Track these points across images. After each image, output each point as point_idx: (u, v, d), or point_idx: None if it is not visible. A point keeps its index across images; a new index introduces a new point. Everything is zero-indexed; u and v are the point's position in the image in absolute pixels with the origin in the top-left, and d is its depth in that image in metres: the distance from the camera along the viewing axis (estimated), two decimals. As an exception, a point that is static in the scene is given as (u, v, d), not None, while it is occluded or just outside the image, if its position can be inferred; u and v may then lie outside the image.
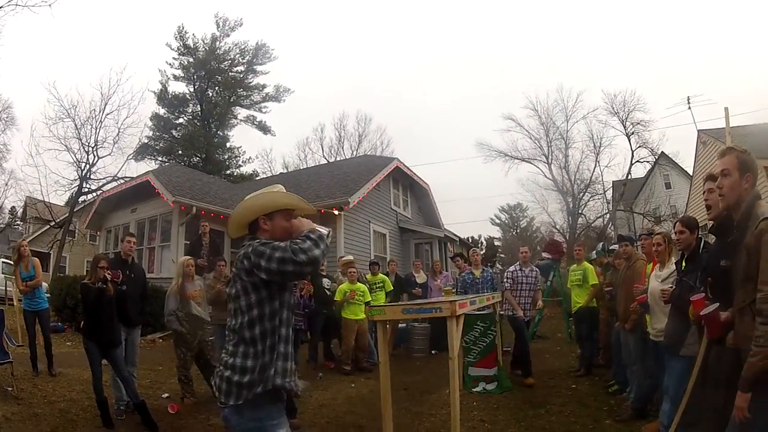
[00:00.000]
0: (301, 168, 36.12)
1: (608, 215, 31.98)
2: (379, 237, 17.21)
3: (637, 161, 31.20)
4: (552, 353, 10.05)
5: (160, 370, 8.25)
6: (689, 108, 24.57)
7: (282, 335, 2.40)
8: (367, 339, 9.17)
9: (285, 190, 2.62)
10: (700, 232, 4.17)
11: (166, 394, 6.82)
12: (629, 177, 31.48)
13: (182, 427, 5.51)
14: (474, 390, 7.01)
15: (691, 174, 23.22)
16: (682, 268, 4.10)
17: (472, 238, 41.89)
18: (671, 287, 4.25)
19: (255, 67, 37.18)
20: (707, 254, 3.65)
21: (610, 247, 9.07)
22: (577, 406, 6.00)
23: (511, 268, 8.22)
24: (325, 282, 9.33)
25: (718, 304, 2.77)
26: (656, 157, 31.65)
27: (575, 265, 8.67)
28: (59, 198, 22.63)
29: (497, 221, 51.89)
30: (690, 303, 3.35)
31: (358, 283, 9.22)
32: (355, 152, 39.98)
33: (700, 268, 3.66)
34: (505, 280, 8.18)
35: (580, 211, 33.21)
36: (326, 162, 36.52)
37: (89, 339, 5.40)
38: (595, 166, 32.91)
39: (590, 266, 8.42)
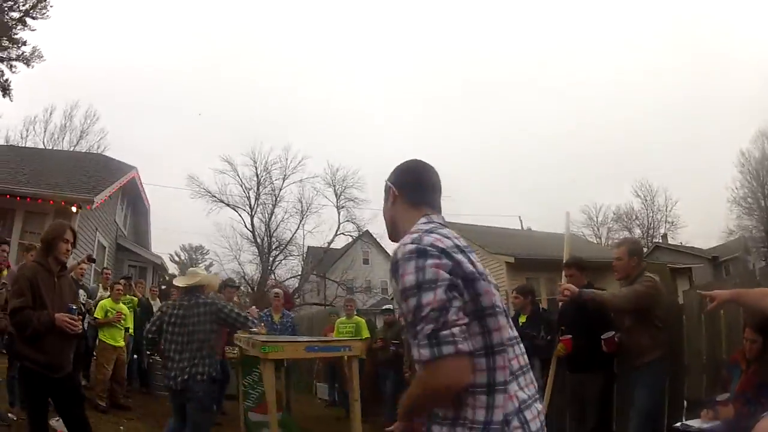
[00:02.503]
0: (21, 146, 30.70)
1: (300, 277, 34.12)
2: (101, 250, 15.64)
3: (342, 233, 34.16)
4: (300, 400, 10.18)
5: None
6: None
7: None
8: (125, 371, 8.23)
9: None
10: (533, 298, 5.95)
11: None
12: (329, 246, 34.29)
13: None
14: None
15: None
16: (520, 324, 5.67)
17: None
18: None
19: (28, 18, 31.10)
20: (558, 312, 5.18)
21: (385, 307, 10.17)
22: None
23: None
24: (80, 294, 7.63)
25: (614, 332, 4.21)
26: (360, 233, 35.28)
27: (344, 318, 9.19)
28: None
29: (176, 259, 50.51)
30: (559, 342, 4.71)
31: (121, 303, 8.16)
32: (73, 147, 35.50)
33: (542, 322, 5.49)
34: None
35: (271, 268, 34.48)
36: (43, 147, 31.80)
37: None
38: (297, 228, 34.48)
39: (362, 320, 9.14)
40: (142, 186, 19.00)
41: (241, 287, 27.56)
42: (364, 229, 35.02)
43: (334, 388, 10.42)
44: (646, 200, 45.93)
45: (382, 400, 8.19)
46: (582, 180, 62.53)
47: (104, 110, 56.18)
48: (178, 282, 5.20)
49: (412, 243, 1.55)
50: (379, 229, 36.48)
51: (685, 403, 4.12)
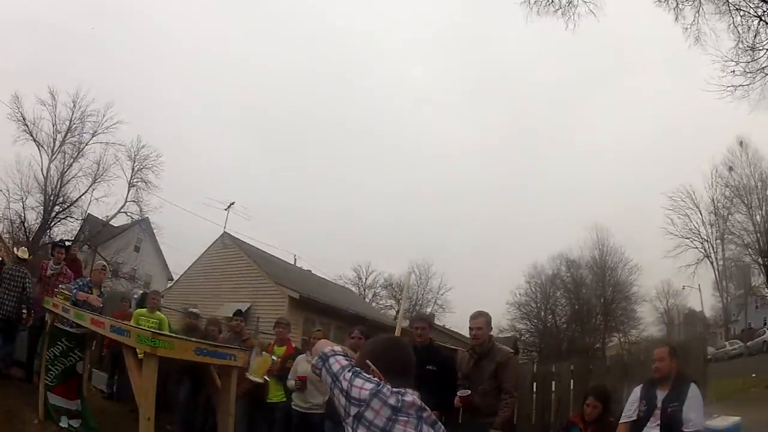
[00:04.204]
0: None
1: (73, 243, 31.26)
2: None
3: (124, 212, 32.47)
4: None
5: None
6: (226, 210, 26.49)
7: None
8: None
9: None
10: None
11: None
12: (109, 220, 32.61)
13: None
14: (61, 425, 6.17)
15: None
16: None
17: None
18: None
19: None
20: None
21: (191, 310, 9.77)
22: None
23: None
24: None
25: (469, 391, 4.94)
26: (141, 218, 33.58)
27: (146, 311, 8.42)
28: None
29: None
30: None
31: None
32: None
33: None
34: None
35: (50, 223, 31.17)
36: None
37: None
38: (86, 191, 31.81)
39: (164, 317, 8.60)
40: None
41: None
42: (146, 215, 33.67)
43: (114, 380, 9.24)
44: (420, 278, 47.58)
45: (173, 405, 7.63)
46: (361, 241, 65.76)
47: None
48: (20, 254, 8.10)
49: None
50: (159, 219, 35.36)
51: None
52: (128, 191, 32.06)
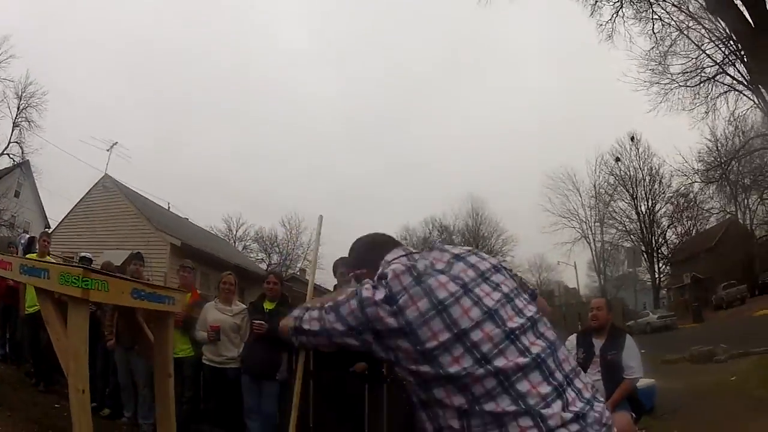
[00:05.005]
0: None
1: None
2: None
3: (7, 154, 31.20)
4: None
5: None
6: (108, 150, 25.52)
7: None
8: None
9: None
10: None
11: None
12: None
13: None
14: None
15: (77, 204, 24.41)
16: (268, 309, 5.43)
17: None
18: (261, 322, 5.19)
19: None
20: None
21: (83, 255, 8.92)
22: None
23: None
24: None
25: None
26: (22, 160, 32.23)
27: (36, 255, 7.25)
28: None
29: None
30: None
31: None
32: None
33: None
34: None
35: None
36: None
37: None
38: None
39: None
40: None
41: None
42: (27, 158, 32.42)
43: (6, 339, 8.29)
44: (291, 233, 48.53)
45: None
46: (231, 192, 67.15)
47: None
48: None
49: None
50: (40, 162, 34.04)
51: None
52: (12, 131, 30.24)
